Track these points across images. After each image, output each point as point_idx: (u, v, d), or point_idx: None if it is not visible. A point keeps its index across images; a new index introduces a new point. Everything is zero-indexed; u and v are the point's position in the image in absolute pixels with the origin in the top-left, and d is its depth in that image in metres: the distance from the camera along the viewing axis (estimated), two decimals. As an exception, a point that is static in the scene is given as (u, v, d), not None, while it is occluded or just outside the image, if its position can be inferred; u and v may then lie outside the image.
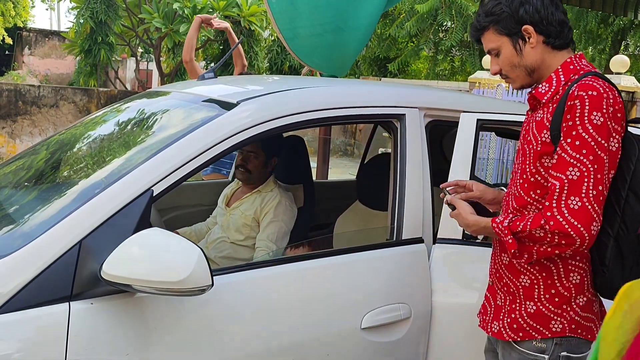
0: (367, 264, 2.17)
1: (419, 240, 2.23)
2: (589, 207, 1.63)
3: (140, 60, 16.68)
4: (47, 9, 44.26)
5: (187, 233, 3.13)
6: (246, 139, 2.01)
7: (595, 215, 1.64)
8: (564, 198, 1.64)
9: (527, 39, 1.77)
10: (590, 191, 1.63)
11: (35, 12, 46.46)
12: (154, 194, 1.82)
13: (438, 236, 2.23)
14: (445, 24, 16.12)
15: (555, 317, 1.77)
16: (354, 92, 2.41)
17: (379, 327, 2.10)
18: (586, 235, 1.63)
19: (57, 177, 2.34)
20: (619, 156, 1.67)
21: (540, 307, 1.77)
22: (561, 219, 1.63)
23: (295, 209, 3.04)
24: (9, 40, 19.06)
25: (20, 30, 20.78)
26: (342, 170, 10.32)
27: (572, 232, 1.63)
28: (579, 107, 1.64)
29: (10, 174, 2.54)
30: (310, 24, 3.35)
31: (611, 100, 1.65)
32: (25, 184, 2.41)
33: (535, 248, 1.70)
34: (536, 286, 1.78)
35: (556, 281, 1.76)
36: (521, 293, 1.80)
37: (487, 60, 12.16)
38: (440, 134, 3.25)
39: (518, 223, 1.70)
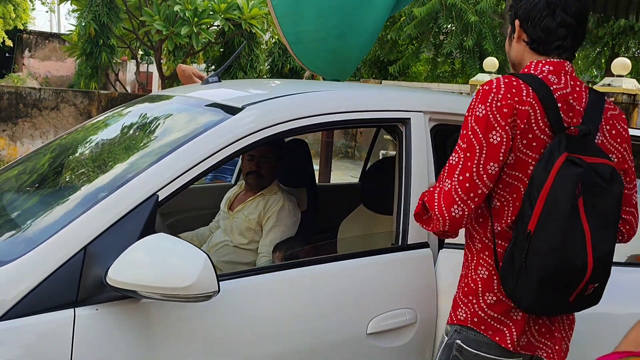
0: (372, 269, 2.16)
1: (425, 245, 2.22)
2: (453, 191, 1.71)
3: (140, 62, 16.68)
4: (47, 12, 44.25)
5: (190, 237, 3.12)
6: (251, 144, 2.00)
7: (457, 199, 1.70)
8: (441, 180, 1.75)
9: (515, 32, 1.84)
10: (457, 176, 1.71)
11: (35, 15, 46.49)
12: (159, 199, 1.81)
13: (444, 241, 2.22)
14: (445, 27, 16.13)
15: (461, 306, 1.85)
16: (359, 96, 2.41)
17: (384, 332, 2.09)
18: (446, 216, 1.71)
19: (61, 182, 2.33)
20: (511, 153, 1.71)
21: (457, 294, 1.89)
22: (433, 197, 1.74)
23: (299, 212, 3.03)
24: (9, 43, 19.07)
25: (20, 33, 20.79)
26: (343, 173, 10.32)
27: (435, 211, 1.73)
28: (473, 100, 1.73)
29: (13, 179, 2.53)
30: (314, 28, 3.33)
31: (500, 96, 1.68)
32: (29, 188, 2.40)
33: (422, 218, 1.82)
34: (461, 275, 1.90)
35: (468, 272, 1.86)
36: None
37: (487, 63, 12.16)
38: (445, 137, 3.24)
39: (425, 193, 1.81)
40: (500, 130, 1.68)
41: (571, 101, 1.73)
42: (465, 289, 1.85)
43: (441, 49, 16.42)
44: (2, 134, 10.14)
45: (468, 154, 1.71)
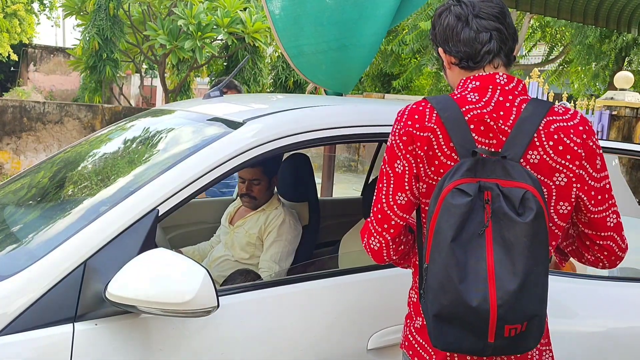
0: (373, 283, 2.15)
1: (426, 260, 2.20)
2: (370, 223, 1.70)
3: (144, 76, 16.77)
4: (52, 26, 44.59)
5: (191, 252, 3.12)
6: (252, 158, 2.00)
7: (373, 231, 1.69)
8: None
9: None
10: (373, 208, 1.69)
11: (40, 29, 46.80)
12: (160, 214, 1.80)
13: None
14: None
15: (403, 329, 1.82)
16: (362, 110, 2.41)
17: (385, 348, 2.08)
18: (367, 248, 1.71)
19: (62, 196, 2.34)
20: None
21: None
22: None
23: (300, 227, 3.02)
24: (14, 57, 19.18)
25: (25, 47, 20.93)
26: (347, 186, 10.31)
27: (363, 242, 1.73)
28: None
29: (15, 192, 2.53)
30: (314, 41, 3.35)
31: (402, 124, 1.63)
32: (30, 202, 2.41)
33: None
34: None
35: (408, 295, 1.81)
36: None
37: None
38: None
39: None
40: (402, 159, 1.62)
41: (488, 120, 1.58)
42: (406, 312, 1.82)
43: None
44: (6, 148, 10.17)
45: (380, 185, 1.67)
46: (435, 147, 1.59)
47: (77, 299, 1.68)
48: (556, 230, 1.67)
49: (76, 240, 1.73)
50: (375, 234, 1.69)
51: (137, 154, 2.41)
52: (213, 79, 15.11)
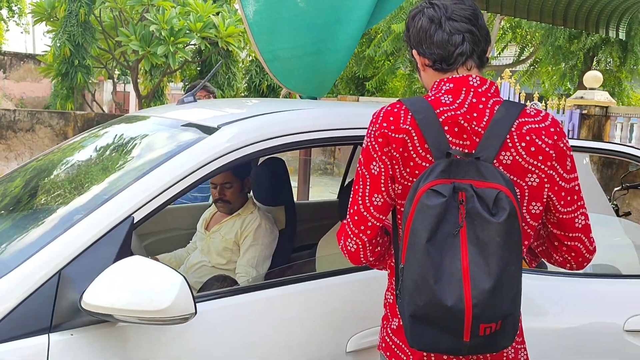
0: (351, 286, 2.15)
1: (403, 261, 2.21)
2: (347, 224, 1.71)
3: (117, 82, 16.62)
4: (22, 33, 43.96)
5: (167, 259, 3.09)
6: (228, 163, 1.99)
7: (350, 233, 1.70)
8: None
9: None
10: (349, 210, 1.70)
11: (9, 36, 46.07)
12: (135, 221, 1.79)
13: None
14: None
15: (380, 330, 1.82)
16: (337, 113, 2.41)
17: (364, 350, 2.08)
18: (344, 249, 1.73)
19: (35, 205, 2.30)
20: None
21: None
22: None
23: (277, 231, 3.02)
24: (-17, 64, 18.88)
25: (-6, 54, 20.61)
26: (323, 189, 10.31)
27: (340, 245, 1.74)
28: None
29: (-14, 202, 2.49)
30: (290, 45, 3.35)
31: (377, 126, 1.64)
32: (2, 212, 2.37)
33: None
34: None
35: (384, 297, 1.82)
36: None
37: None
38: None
39: None
40: (378, 161, 1.63)
41: (462, 122, 1.60)
42: (382, 314, 1.83)
43: (417, 64, 16.55)
44: (-24, 157, 10.02)
45: (356, 187, 1.69)
46: (410, 148, 1.60)
47: (52, 309, 1.66)
48: (528, 230, 1.69)
49: (50, 250, 1.71)
50: (352, 236, 1.70)
51: (111, 160, 2.39)
52: (186, 84, 15.04)
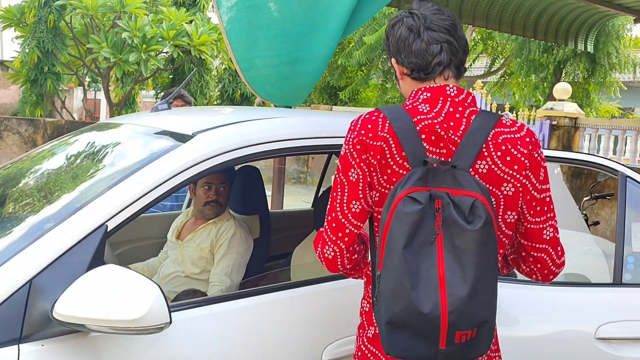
0: (326, 295, 2.15)
1: (378, 270, 2.22)
2: (324, 231, 1.72)
3: (87, 89, 16.45)
4: (-10, 38, 43.22)
5: (140, 268, 3.05)
6: (202, 172, 1.98)
7: (327, 240, 1.71)
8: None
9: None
10: (327, 216, 1.71)
11: (-23, 41, 45.29)
12: (109, 229, 1.77)
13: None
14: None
15: (356, 339, 1.82)
16: (312, 122, 2.42)
17: (340, 359, 2.08)
18: (321, 257, 1.73)
19: (4, 213, 2.26)
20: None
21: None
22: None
23: (251, 240, 3.00)
24: (-51, 70, 18.52)
25: (-39, 60, 20.24)
26: (296, 198, 10.30)
27: (317, 252, 1.74)
28: None
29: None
30: (267, 54, 3.34)
31: (355, 133, 1.66)
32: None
33: None
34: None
35: (360, 306, 1.83)
36: None
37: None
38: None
39: None
40: (356, 168, 1.65)
41: (439, 130, 1.62)
42: (358, 322, 1.83)
43: (390, 75, 16.69)
44: (-59, 164, 9.81)
45: (334, 194, 1.70)
46: (388, 156, 1.62)
47: (22, 319, 1.62)
48: (504, 239, 1.71)
49: (20, 259, 1.68)
50: (329, 243, 1.70)
51: (84, 168, 2.36)
52: (159, 91, 14.94)
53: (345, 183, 1.67)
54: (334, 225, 1.69)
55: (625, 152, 11.41)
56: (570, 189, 9.59)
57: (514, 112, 12.85)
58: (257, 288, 2.28)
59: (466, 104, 1.67)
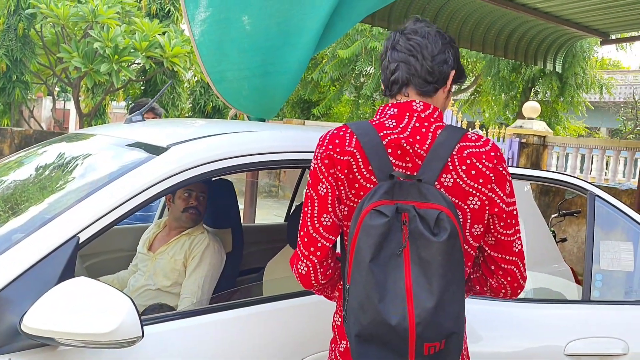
0: (299, 310, 2.14)
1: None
2: (297, 247, 1.74)
3: (57, 99, 16.24)
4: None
5: (111, 281, 3.01)
6: (176, 184, 1.97)
7: (300, 255, 1.73)
8: None
9: None
10: (299, 232, 1.74)
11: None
12: (80, 241, 1.74)
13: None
14: (365, 69, 16.55)
15: (329, 354, 1.83)
16: (286, 137, 2.42)
17: (312, 374, 2.07)
18: (295, 273, 1.75)
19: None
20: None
21: None
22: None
23: (224, 253, 2.98)
24: None
25: None
26: (267, 212, 10.28)
27: (293, 269, 1.76)
28: None
29: None
30: (238, 67, 3.35)
31: (323, 148, 1.71)
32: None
33: None
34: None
35: (332, 318, 1.84)
36: None
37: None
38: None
39: None
40: (325, 182, 1.68)
41: (405, 144, 1.65)
42: (331, 336, 1.85)
43: (362, 90, 16.81)
44: None
45: (306, 209, 1.73)
46: (355, 170, 1.65)
47: (-11, 332, 1.59)
48: (470, 251, 1.73)
49: (-12, 271, 1.64)
50: (302, 258, 1.72)
51: (55, 179, 2.32)
52: (130, 102, 14.81)
53: (315, 197, 1.70)
54: (306, 240, 1.71)
55: (591, 171, 11.64)
56: (539, 206, 9.73)
57: (484, 129, 13.03)
58: (230, 302, 2.26)
59: (432, 119, 1.71)
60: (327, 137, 1.71)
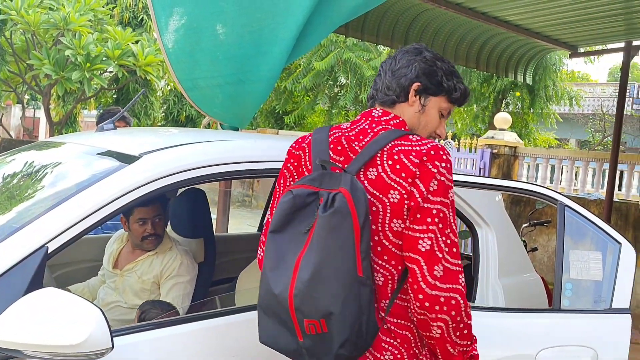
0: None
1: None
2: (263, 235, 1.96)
3: (26, 107, 16.01)
4: None
5: (81, 289, 2.96)
6: (149, 193, 1.95)
7: (260, 242, 1.94)
8: None
9: None
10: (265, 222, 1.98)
11: None
12: (49, 251, 1.71)
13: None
14: (340, 79, 16.61)
15: None
16: (260, 146, 2.41)
17: (285, 385, 2.05)
18: (258, 258, 1.99)
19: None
20: None
21: None
22: None
23: (196, 266, 2.95)
24: None
25: None
26: (240, 221, 10.21)
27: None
28: None
29: None
30: (210, 75, 3.34)
31: (289, 148, 1.92)
32: None
33: None
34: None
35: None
36: None
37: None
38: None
39: None
40: (282, 174, 1.91)
41: (344, 141, 1.80)
42: None
43: (336, 101, 16.86)
44: None
45: (271, 200, 1.99)
46: (303, 163, 1.86)
47: (-47, 345, 1.55)
48: (392, 248, 1.69)
49: (-47, 281, 1.61)
50: (260, 244, 1.91)
51: (24, 188, 2.28)
52: (101, 111, 14.65)
53: (278, 188, 1.92)
54: (264, 223, 1.89)
55: (561, 181, 11.82)
56: (510, 215, 9.83)
57: (457, 140, 13.15)
58: (202, 313, 2.24)
59: (384, 123, 1.82)
60: (298, 139, 1.93)
